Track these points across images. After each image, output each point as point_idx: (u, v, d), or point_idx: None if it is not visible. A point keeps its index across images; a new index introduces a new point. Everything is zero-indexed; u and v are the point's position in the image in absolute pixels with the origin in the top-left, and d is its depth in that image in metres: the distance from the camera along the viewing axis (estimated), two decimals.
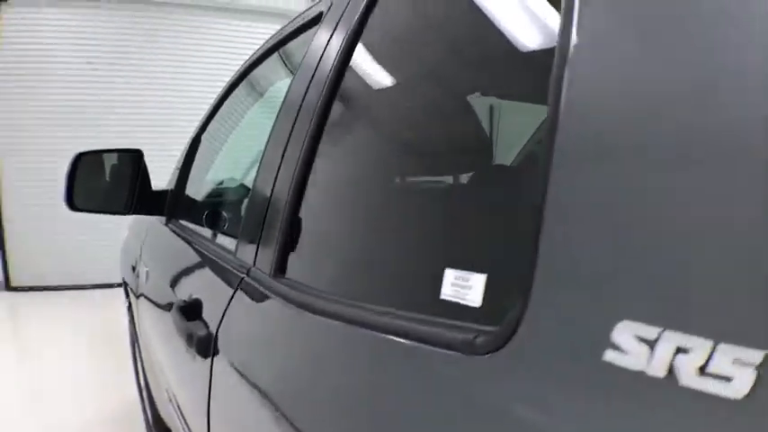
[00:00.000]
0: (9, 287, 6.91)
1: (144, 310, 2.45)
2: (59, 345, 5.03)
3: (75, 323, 5.66)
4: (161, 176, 2.56)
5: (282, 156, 1.32)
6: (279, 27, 1.98)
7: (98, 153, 2.28)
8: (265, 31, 5.62)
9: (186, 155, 2.50)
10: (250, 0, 7.33)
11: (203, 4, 7.21)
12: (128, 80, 7.01)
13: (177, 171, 2.48)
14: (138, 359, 2.96)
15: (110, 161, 2.31)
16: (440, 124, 1.11)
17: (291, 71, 1.75)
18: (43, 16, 6.73)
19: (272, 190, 1.32)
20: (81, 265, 6.90)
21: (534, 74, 0.67)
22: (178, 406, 1.75)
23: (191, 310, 1.52)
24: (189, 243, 2.01)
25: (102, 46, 6.89)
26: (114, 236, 3.83)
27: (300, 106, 1.32)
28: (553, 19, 0.65)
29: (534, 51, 0.65)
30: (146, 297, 2.38)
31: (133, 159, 2.26)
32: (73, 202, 2.17)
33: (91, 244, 6.63)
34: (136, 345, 3.01)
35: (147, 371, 2.60)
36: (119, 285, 3.55)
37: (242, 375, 1.14)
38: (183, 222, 2.27)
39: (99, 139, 6.21)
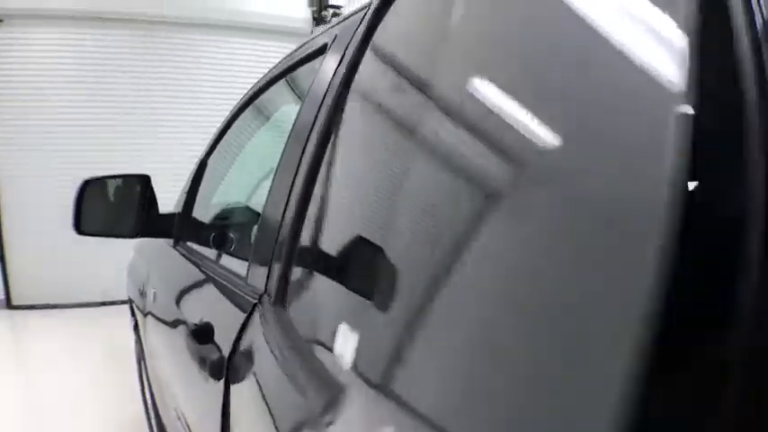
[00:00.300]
0: (10, 305, 6.88)
1: (152, 331, 2.47)
2: (62, 363, 5.02)
3: (79, 341, 5.64)
4: (163, 198, 2.60)
5: (292, 184, 1.37)
6: (286, 45, 2.02)
7: (105, 179, 2.33)
8: (273, 50, 5.61)
9: (193, 178, 2.53)
10: (255, 18, 7.30)
11: (206, 23, 7.20)
12: (127, 99, 7.00)
13: (184, 194, 2.51)
14: (145, 378, 2.99)
15: (117, 186, 2.36)
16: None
17: (299, 97, 1.79)
18: (40, 36, 6.72)
19: (282, 218, 1.36)
20: (83, 283, 6.87)
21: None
22: (187, 425, 1.78)
23: (202, 334, 1.55)
24: (197, 266, 2.03)
25: (102, 65, 6.89)
26: (117, 254, 3.84)
27: (308, 135, 1.36)
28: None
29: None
30: (154, 318, 2.40)
31: (141, 184, 2.30)
32: (81, 226, 2.21)
33: (93, 262, 6.59)
34: (142, 364, 3.04)
35: (154, 390, 2.63)
36: (122, 303, 3.57)
37: (254, 401, 1.17)
38: (191, 245, 2.30)
39: (99, 157, 6.28)
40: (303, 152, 1.36)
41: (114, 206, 2.37)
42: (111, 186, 2.36)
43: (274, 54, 2.10)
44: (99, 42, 6.90)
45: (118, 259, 3.75)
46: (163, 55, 7.15)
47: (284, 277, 1.27)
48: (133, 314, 3.14)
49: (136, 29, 7.01)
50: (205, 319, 1.63)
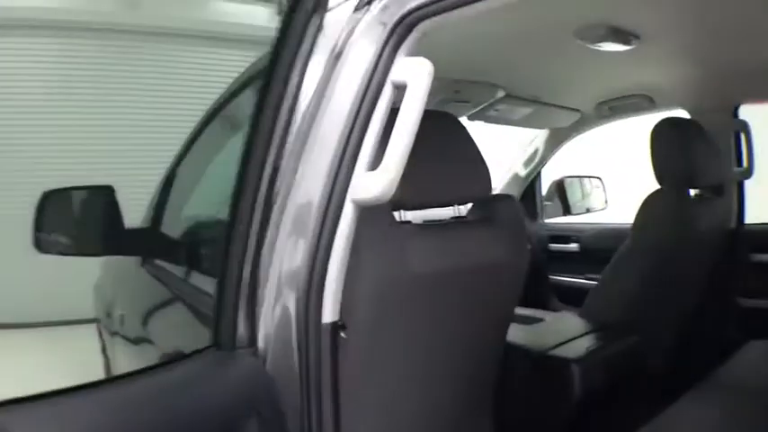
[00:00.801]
0: None
1: (120, 355, 2.36)
2: (21, 390, 4.76)
3: (39, 364, 5.35)
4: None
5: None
6: (257, 53, 1.92)
7: (67, 191, 2.15)
8: (243, 59, 5.53)
9: (161, 190, 2.39)
10: (224, 27, 7.19)
11: (177, 33, 7.09)
12: (89, 111, 6.83)
13: (152, 208, 2.36)
14: None
15: (80, 199, 2.18)
16: None
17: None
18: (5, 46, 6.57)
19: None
20: (47, 300, 6.62)
21: None
22: None
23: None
24: (166, 286, 1.90)
25: (65, 76, 6.75)
26: (84, 269, 3.65)
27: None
28: None
29: None
30: (123, 342, 2.28)
31: (104, 196, 2.12)
32: (41, 244, 2.04)
33: (57, 278, 6.28)
34: None
35: None
36: (88, 322, 3.40)
37: None
38: (160, 263, 2.15)
39: (63, 167, 6.11)
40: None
41: (76, 221, 2.19)
42: (73, 199, 2.18)
43: (244, 63, 2.00)
44: (66, 54, 6.79)
45: (85, 273, 3.56)
46: (133, 65, 7.02)
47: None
48: (101, 336, 2.99)
49: (104, 38, 6.88)
50: (177, 347, 1.50)
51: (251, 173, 1.14)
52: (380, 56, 1.09)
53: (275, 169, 1.14)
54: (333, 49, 1.16)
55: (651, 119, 2.54)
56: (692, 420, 1.60)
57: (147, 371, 1.09)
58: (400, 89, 1.07)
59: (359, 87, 1.10)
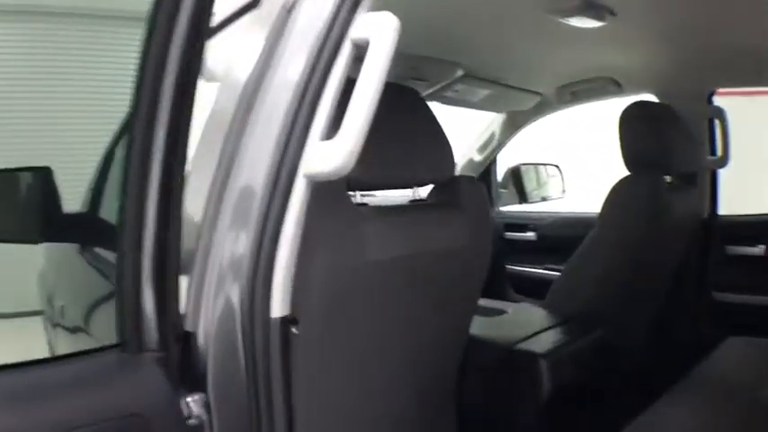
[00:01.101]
0: None
1: (62, 348, 2.27)
2: None
3: None
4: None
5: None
6: None
7: (4, 173, 2.02)
8: None
9: (100, 173, 2.27)
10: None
11: (114, 15, 6.96)
12: (34, 95, 6.70)
13: (90, 192, 2.25)
14: None
15: (15, 181, 2.06)
16: None
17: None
18: None
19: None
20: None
21: None
22: None
23: None
24: (104, 276, 1.81)
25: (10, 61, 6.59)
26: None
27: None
28: None
29: None
30: (63, 334, 2.19)
31: (41, 179, 1.99)
32: None
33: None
34: None
35: None
36: (35, 314, 3.28)
37: None
38: (99, 251, 2.03)
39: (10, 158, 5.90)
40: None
41: (14, 206, 2.06)
42: (16, 182, 2.05)
43: None
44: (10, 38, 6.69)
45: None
46: (67, 47, 6.95)
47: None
48: (46, 328, 2.88)
49: (38, 20, 6.78)
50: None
51: (137, 135, 0.92)
52: (339, 9, 0.97)
53: (173, 132, 0.91)
54: (284, 3, 1.04)
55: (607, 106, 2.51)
56: (673, 423, 1.54)
57: (32, 364, 0.94)
58: (361, 48, 0.95)
59: (313, 45, 0.98)
